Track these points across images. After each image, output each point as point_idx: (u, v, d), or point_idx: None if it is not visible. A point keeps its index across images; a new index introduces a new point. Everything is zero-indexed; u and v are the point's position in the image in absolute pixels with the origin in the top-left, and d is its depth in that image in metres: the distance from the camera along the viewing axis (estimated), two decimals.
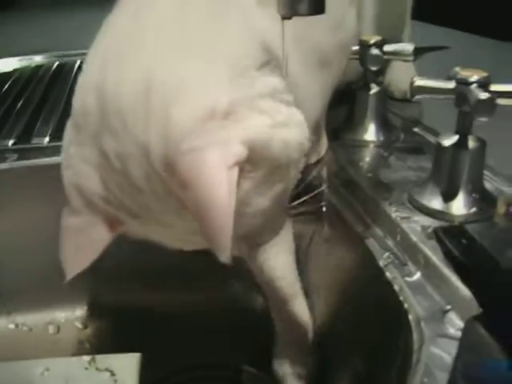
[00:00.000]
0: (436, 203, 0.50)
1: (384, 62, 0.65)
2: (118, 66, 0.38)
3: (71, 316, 0.73)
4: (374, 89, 0.66)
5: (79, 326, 0.73)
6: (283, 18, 0.41)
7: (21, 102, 0.88)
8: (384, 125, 0.67)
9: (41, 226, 0.68)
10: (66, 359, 0.68)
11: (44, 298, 0.72)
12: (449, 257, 0.27)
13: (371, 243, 0.49)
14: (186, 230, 0.40)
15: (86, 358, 0.68)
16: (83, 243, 0.40)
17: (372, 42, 0.64)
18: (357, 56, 0.66)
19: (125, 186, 0.37)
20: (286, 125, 0.40)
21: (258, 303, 0.73)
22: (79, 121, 0.39)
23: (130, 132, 0.36)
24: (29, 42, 1.23)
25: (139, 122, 0.35)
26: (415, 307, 0.40)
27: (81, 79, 0.40)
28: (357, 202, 0.56)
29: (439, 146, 0.50)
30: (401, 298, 0.41)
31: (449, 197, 0.49)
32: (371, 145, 0.66)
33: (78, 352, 0.70)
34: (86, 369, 0.67)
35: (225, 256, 0.34)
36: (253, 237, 0.54)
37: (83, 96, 0.39)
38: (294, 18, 0.41)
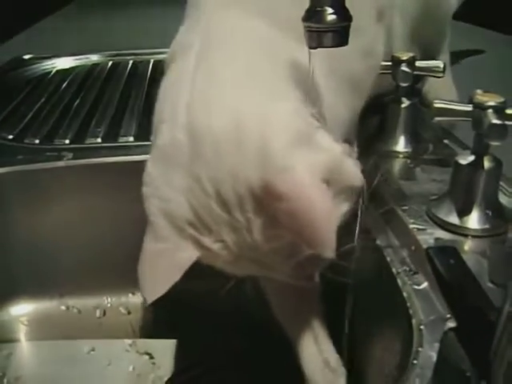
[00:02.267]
0: (451, 218, 0.53)
1: (415, 78, 0.68)
2: (206, 105, 0.44)
3: (116, 302, 0.80)
4: (405, 103, 0.69)
5: (123, 311, 0.79)
6: (310, 48, 0.46)
7: (77, 101, 0.95)
8: (414, 136, 0.71)
9: (93, 220, 0.75)
10: (109, 341, 0.75)
11: (93, 284, 0.78)
12: (435, 274, 0.31)
13: (387, 251, 0.53)
14: (266, 251, 0.43)
15: (128, 341, 0.75)
16: (165, 267, 0.43)
17: (403, 58, 0.67)
18: (389, 71, 0.69)
19: (214, 209, 0.42)
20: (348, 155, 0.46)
21: None
22: (167, 154, 0.44)
23: (224, 159, 0.41)
24: (85, 41, 1.29)
25: (233, 150, 0.41)
26: (419, 313, 0.44)
27: (164, 117, 0.46)
28: (376, 210, 0.59)
29: (456, 163, 0.53)
30: (408, 304, 0.45)
31: (464, 212, 0.53)
32: (400, 156, 0.69)
33: (121, 335, 0.76)
34: (127, 351, 0.74)
35: (331, 252, 0.38)
36: None
37: (171, 132, 0.44)
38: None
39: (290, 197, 0.39)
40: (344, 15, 0.44)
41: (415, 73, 0.68)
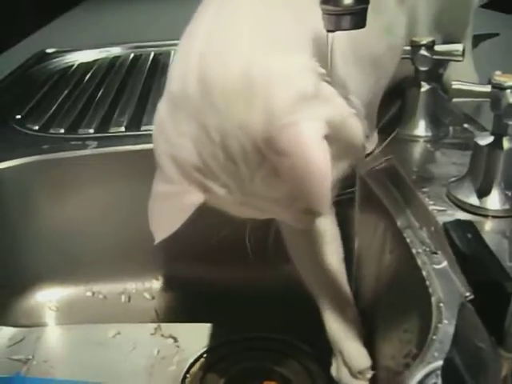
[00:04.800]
0: (471, 199, 0.53)
1: (435, 62, 0.68)
2: (220, 55, 0.44)
3: (141, 287, 0.81)
4: (425, 87, 0.70)
5: (147, 296, 0.81)
6: (328, 31, 0.46)
7: (100, 93, 0.97)
8: (434, 121, 0.71)
9: (118, 207, 0.77)
10: (134, 325, 0.76)
11: (118, 270, 0.80)
12: (453, 248, 0.31)
13: (407, 232, 0.54)
14: (267, 199, 0.45)
15: (153, 325, 0.76)
16: (172, 209, 0.45)
17: (422, 42, 0.67)
18: (408, 55, 0.69)
19: (220, 158, 0.43)
20: (353, 113, 0.46)
21: None
22: (177, 100, 0.45)
23: (233, 109, 0.42)
24: (106, 34, 1.31)
25: (242, 101, 0.41)
26: (438, 292, 0.44)
27: (177, 65, 0.47)
28: (397, 192, 0.60)
29: (476, 144, 0.54)
30: (427, 283, 0.46)
31: (483, 193, 0.53)
32: (420, 140, 0.69)
33: (146, 320, 0.78)
34: (152, 334, 0.75)
35: (326, 209, 0.41)
36: None
37: (183, 79, 0.44)
38: None
39: (291, 153, 0.40)
40: None
41: (434, 57, 0.68)
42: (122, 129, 0.80)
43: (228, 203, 0.46)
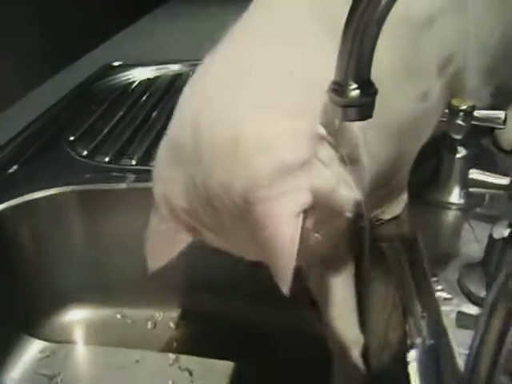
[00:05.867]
0: (480, 291, 0.52)
1: (470, 129, 0.66)
2: (216, 109, 0.45)
3: (167, 316, 0.84)
4: (461, 153, 0.67)
5: (172, 325, 0.84)
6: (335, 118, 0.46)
7: (154, 115, 0.99)
8: (475, 180, 0.68)
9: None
10: (156, 354, 0.79)
11: (147, 296, 0.84)
12: None
13: (408, 320, 0.53)
14: (250, 246, 0.46)
15: (172, 355, 0.79)
16: (164, 244, 0.49)
17: (462, 107, 0.65)
18: (445, 119, 0.67)
19: (205, 207, 0.45)
20: (345, 182, 0.47)
21: None
22: (173, 145, 0.47)
23: (218, 170, 0.43)
24: (171, 49, 1.31)
25: (227, 163, 0.43)
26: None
27: (180, 107, 0.48)
28: (409, 268, 0.59)
29: (490, 235, 0.52)
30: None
31: None
32: (452, 207, 0.67)
33: (167, 348, 0.80)
34: (170, 365, 0.78)
35: (285, 289, 0.41)
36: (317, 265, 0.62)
37: (180, 127, 0.47)
38: None
39: (263, 226, 0.41)
40: (368, 90, 0.44)
41: (473, 123, 0.65)
42: None
43: (217, 244, 0.50)
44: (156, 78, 1.18)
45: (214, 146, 0.43)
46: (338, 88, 0.44)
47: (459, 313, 0.50)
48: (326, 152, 0.45)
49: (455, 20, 0.57)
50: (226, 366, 0.77)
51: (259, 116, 0.44)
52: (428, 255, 0.59)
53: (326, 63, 0.43)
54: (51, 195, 0.75)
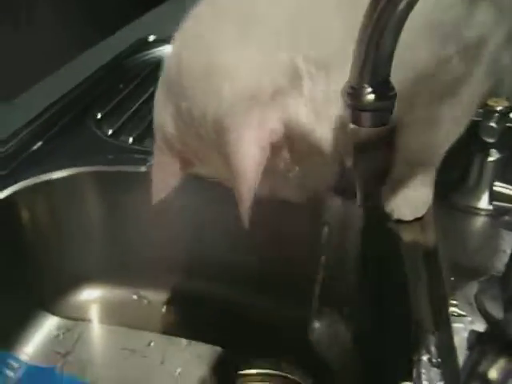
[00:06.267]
0: (495, 310, 0.48)
1: (505, 131, 0.61)
2: (196, 42, 0.48)
3: (183, 300, 0.84)
4: (494, 156, 0.63)
5: (188, 310, 0.83)
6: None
7: None
8: (500, 193, 0.64)
9: (167, 221, 0.79)
10: (168, 338, 0.79)
11: (164, 279, 0.83)
12: None
13: (415, 334, 0.50)
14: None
15: (185, 341, 0.79)
16: (163, 176, 0.53)
17: (497, 108, 0.61)
18: (480, 118, 0.63)
19: (192, 136, 0.48)
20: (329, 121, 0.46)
21: None
22: (164, 79, 0.50)
23: (196, 97, 0.46)
24: None
25: (202, 90, 0.46)
26: None
27: (170, 52, 0.50)
28: (426, 276, 0.56)
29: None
30: None
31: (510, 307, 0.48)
32: (480, 213, 0.64)
33: (181, 333, 0.80)
34: (181, 351, 0.78)
35: (244, 213, 0.44)
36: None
37: (169, 65, 0.49)
38: None
39: (227, 155, 0.44)
40: (385, 93, 0.41)
41: (508, 125, 0.61)
42: None
43: (205, 174, 0.53)
44: None
45: (193, 73, 0.46)
46: (352, 91, 0.41)
47: (472, 332, 0.47)
48: (309, 88, 0.45)
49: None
50: (237, 356, 0.76)
51: (236, 47, 0.46)
52: (448, 265, 0.56)
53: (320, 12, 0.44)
54: (70, 175, 0.75)
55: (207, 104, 0.45)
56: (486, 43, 0.53)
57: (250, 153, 0.43)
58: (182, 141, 0.50)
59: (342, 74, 0.42)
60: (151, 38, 1.19)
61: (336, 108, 0.45)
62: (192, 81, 0.46)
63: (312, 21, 0.45)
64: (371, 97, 0.41)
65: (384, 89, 0.41)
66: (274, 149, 0.45)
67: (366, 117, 0.42)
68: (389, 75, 0.41)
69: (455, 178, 0.67)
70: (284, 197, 0.56)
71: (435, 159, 0.60)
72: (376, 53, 0.39)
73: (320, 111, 0.46)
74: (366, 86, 0.40)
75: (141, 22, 1.32)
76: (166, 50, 1.15)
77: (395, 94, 0.41)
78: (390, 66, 0.40)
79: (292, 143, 0.47)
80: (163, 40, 1.17)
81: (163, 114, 0.50)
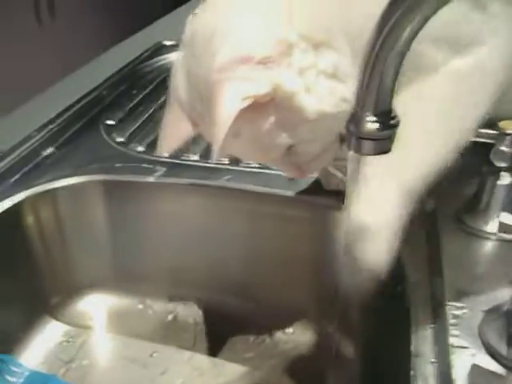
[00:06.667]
0: (499, 345, 0.47)
1: None
2: (206, 11, 0.53)
3: (188, 311, 0.83)
4: (506, 180, 0.61)
5: (191, 321, 0.83)
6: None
7: None
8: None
9: (173, 232, 0.79)
10: (172, 349, 0.79)
11: (170, 289, 0.83)
12: None
13: (415, 362, 0.49)
14: None
15: (188, 353, 0.78)
16: (173, 131, 0.58)
17: (508, 131, 0.59)
18: (492, 141, 0.61)
19: (197, 98, 0.53)
20: (318, 94, 0.50)
21: None
22: (182, 47, 0.54)
23: (200, 59, 0.51)
24: None
25: (204, 52, 0.50)
26: None
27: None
28: (430, 305, 0.54)
29: None
30: None
31: None
32: (490, 237, 0.62)
33: (184, 345, 0.79)
34: (184, 363, 0.77)
35: (216, 145, 0.48)
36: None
37: (186, 32, 0.54)
38: None
39: (214, 105, 0.47)
40: (387, 123, 0.40)
41: None
42: (196, 157, 0.80)
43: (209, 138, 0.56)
44: None
45: (201, 36, 0.51)
46: (354, 119, 0.40)
47: (474, 366, 0.46)
48: (301, 60, 0.49)
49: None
50: (239, 370, 0.76)
51: (241, 15, 0.50)
52: (453, 292, 0.55)
53: None
54: (77, 183, 0.75)
55: (207, 65, 0.49)
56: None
57: (227, 104, 0.47)
58: (191, 105, 0.54)
59: (331, 51, 0.49)
60: (168, 42, 1.19)
61: (324, 82, 0.50)
62: (199, 43, 0.51)
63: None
64: (374, 125, 0.40)
65: (387, 117, 0.40)
66: (260, 107, 0.49)
67: (367, 144, 0.41)
68: (391, 105, 0.40)
69: (466, 200, 0.65)
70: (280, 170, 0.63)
71: None
72: (380, 82, 0.38)
73: (307, 82, 0.50)
74: (369, 114, 0.40)
75: (158, 25, 1.33)
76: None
77: (397, 123, 0.40)
78: (392, 95, 0.39)
79: (278, 107, 0.50)
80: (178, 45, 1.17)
81: (178, 77, 0.54)
